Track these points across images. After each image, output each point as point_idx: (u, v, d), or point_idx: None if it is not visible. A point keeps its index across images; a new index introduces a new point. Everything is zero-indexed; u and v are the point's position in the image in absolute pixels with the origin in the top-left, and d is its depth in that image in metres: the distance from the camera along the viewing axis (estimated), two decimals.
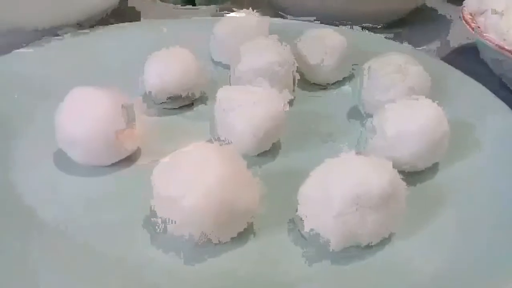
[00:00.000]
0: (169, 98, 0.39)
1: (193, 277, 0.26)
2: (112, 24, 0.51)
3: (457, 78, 0.43)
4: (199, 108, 0.41)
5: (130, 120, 0.33)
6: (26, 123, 0.38)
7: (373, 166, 0.26)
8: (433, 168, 0.34)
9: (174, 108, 0.40)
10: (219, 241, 0.27)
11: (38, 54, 0.45)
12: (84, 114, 0.32)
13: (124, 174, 0.34)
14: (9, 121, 0.37)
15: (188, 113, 0.40)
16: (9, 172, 0.33)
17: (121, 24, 0.51)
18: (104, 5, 0.52)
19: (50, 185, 0.32)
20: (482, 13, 0.45)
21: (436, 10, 0.65)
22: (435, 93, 0.39)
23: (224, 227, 0.27)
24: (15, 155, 0.35)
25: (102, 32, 0.49)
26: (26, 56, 0.44)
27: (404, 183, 0.28)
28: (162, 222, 0.27)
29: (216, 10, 0.63)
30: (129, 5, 0.62)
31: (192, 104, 0.41)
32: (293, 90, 0.40)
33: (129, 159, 0.34)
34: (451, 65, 0.45)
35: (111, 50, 0.47)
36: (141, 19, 0.59)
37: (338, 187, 0.26)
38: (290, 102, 0.40)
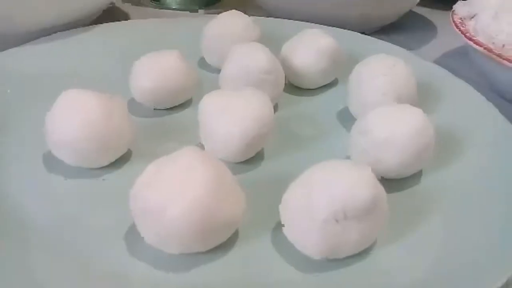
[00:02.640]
0: (158, 100, 0.39)
1: (176, 287, 0.26)
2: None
3: (448, 80, 0.43)
4: (188, 110, 0.40)
5: (120, 122, 0.33)
6: (16, 123, 0.37)
7: (355, 176, 0.26)
8: (419, 174, 0.34)
9: (163, 109, 0.40)
10: (202, 250, 0.27)
11: (28, 54, 0.45)
12: (75, 116, 0.32)
13: (114, 176, 0.33)
14: None
15: (177, 115, 0.40)
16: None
17: (112, 24, 0.51)
18: (95, 6, 0.51)
19: (39, 186, 0.32)
20: (471, 17, 0.45)
21: (425, 15, 0.65)
22: (426, 95, 0.39)
23: (208, 238, 0.27)
24: (4, 155, 0.34)
25: (92, 32, 0.49)
26: (16, 56, 0.44)
27: (384, 191, 0.27)
28: (143, 234, 0.27)
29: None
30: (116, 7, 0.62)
31: (182, 106, 0.41)
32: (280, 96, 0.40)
33: (120, 161, 0.34)
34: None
35: (101, 50, 0.47)
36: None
37: (320, 198, 0.26)
38: (276, 107, 0.40)
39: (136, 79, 0.39)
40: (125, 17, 0.61)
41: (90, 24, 0.50)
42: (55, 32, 0.48)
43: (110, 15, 0.58)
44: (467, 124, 0.38)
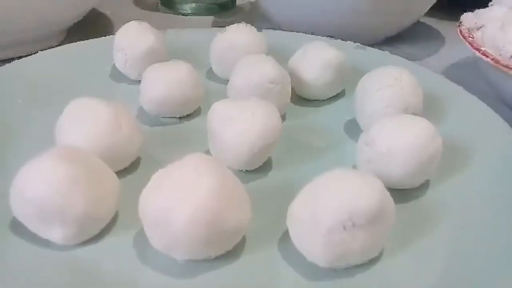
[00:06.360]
0: (166, 109, 0.39)
1: None
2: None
3: (455, 92, 0.43)
4: (196, 119, 0.41)
5: (129, 130, 0.33)
6: (25, 133, 0.38)
7: (362, 184, 0.26)
8: (426, 185, 0.34)
9: (171, 118, 0.40)
10: (208, 257, 0.27)
11: (38, 63, 0.45)
12: (84, 125, 0.32)
13: (122, 183, 0.33)
14: (8, 130, 0.38)
15: (185, 124, 0.40)
16: (6, 180, 0.33)
17: None
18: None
19: None
20: (479, 28, 0.46)
21: (432, 26, 0.66)
22: (432, 106, 0.39)
23: (214, 244, 0.27)
24: (14, 164, 0.34)
25: (101, 41, 0.49)
26: (25, 65, 0.45)
27: (392, 200, 0.27)
28: (151, 239, 0.27)
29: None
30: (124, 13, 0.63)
31: (189, 115, 0.41)
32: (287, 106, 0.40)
33: (128, 169, 0.34)
34: (449, 80, 0.45)
35: (111, 59, 0.47)
36: None
37: (327, 206, 0.26)
38: (283, 117, 0.40)
39: (145, 89, 0.39)
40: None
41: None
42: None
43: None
44: (474, 136, 0.38)
